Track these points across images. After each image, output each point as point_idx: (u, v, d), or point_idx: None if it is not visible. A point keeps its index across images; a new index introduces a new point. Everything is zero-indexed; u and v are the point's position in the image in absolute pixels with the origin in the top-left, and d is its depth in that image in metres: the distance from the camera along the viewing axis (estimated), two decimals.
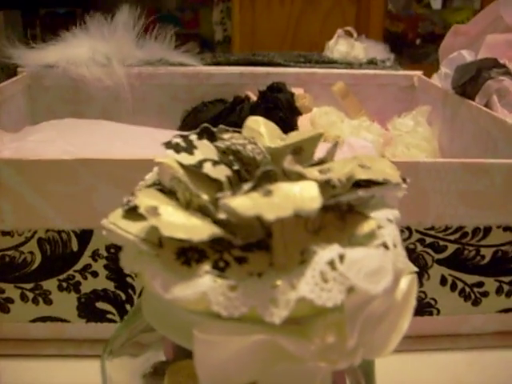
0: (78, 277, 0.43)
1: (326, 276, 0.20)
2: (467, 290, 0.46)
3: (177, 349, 0.30)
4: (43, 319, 0.45)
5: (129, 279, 0.43)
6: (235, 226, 0.22)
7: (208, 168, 0.24)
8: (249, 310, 0.20)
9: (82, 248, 0.42)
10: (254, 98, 0.72)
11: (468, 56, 0.65)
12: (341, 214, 0.23)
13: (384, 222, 0.24)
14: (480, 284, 0.46)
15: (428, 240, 0.44)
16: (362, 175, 0.24)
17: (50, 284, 0.44)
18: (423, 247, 0.44)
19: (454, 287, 0.46)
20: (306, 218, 0.22)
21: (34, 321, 0.45)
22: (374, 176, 0.24)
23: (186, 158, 0.24)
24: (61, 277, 0.43)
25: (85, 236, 0.42)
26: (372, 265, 0.21)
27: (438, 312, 0.47)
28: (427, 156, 0.66)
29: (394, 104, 0.78)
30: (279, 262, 0.21)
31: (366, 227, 0.22)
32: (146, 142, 0.55)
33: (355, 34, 0.89)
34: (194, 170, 0.23)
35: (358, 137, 0.67)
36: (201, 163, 0.24)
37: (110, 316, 0.45)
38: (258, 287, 0.20)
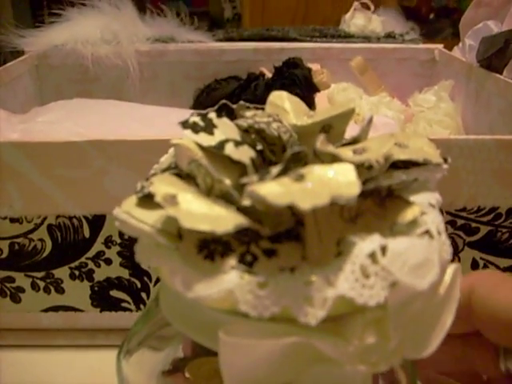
0: (91, 264, 0.42)
1: (367, 271, 0.18)
2: None
3: (196, 345, 0.28)
4: (55, 309, 0.43)
5: (144, 266, 0.42)
6: (262, 213, 0.19)
7: (230, 149, 0.21)
8: (281, 309, 0.18)
9: (95, 234, 0.41)
10: (268, 74, 0.69)
11: (494, 27, 0.61)
12: (380, 199, 0.21)
13: (426, 207, 0.21)
14: None
15: (459, 222, 0.41)
16: (401, 155, 0.21)
17: (62, 272, 0.42)
18: (454, 229, 0.42)
19: None
20: (342, 204, 0.20)
21: (45, 310, 0.44)
22: (414, 156, 0.22)
23: (206, 139, 0.21)
24: (73, 265, 0.42)
25: (97, 222, 0.40)
26: (417, 257, 0.19)
27: None
28: (451, 133, 0.64)
29: (415, 79, 0.75)
30: (313, 254, 0.19)
31: (409, 214, 0.20)
32: (161, 123, 0.53)
33: (372, 7, 0.86)
34: (215, 152, 0.21)
35: (378, 114, 0.65)
36: (222, 144, 0.21)
37: (124, 305, 0.43)
38: (291, 284, 0.18)
